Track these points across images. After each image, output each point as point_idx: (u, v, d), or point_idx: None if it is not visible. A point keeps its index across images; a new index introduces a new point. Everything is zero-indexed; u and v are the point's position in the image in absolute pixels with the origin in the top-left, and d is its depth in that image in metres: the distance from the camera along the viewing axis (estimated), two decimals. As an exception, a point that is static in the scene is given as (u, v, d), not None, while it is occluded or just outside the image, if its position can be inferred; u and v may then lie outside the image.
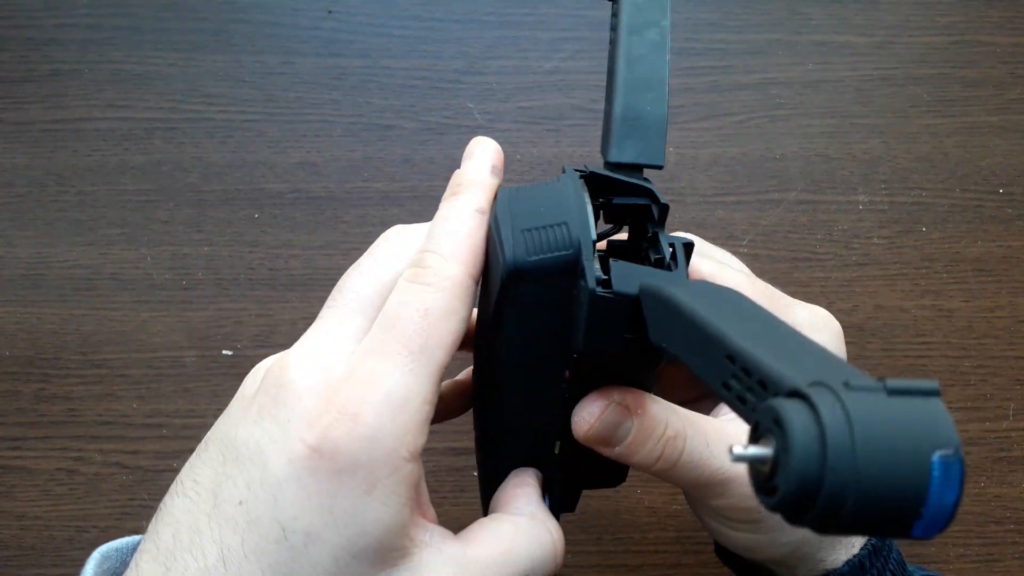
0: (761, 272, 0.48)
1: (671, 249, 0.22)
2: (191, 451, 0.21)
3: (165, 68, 0.49)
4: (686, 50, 0.50)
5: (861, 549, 0.28)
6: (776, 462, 0.12)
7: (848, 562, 0.28)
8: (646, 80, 0.24)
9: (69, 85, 0.49)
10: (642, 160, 0.24)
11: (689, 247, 0.23)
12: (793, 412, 0.12)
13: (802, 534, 0.26)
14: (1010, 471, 0.46)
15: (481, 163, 0.24)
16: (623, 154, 0.24)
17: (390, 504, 0.19)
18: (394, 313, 0.20)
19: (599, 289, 0.20)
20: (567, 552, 0.44)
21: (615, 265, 0.20)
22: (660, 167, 0.24)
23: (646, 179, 0.24)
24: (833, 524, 0.12)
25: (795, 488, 0.11)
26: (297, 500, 0.18)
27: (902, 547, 0.45)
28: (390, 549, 0.19)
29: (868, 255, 0.48)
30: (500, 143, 0.49)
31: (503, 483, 0.25)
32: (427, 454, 0.46)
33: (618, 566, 0.43)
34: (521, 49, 0.50)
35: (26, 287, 0.46)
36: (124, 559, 0.24)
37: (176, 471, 0.21)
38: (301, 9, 0.50)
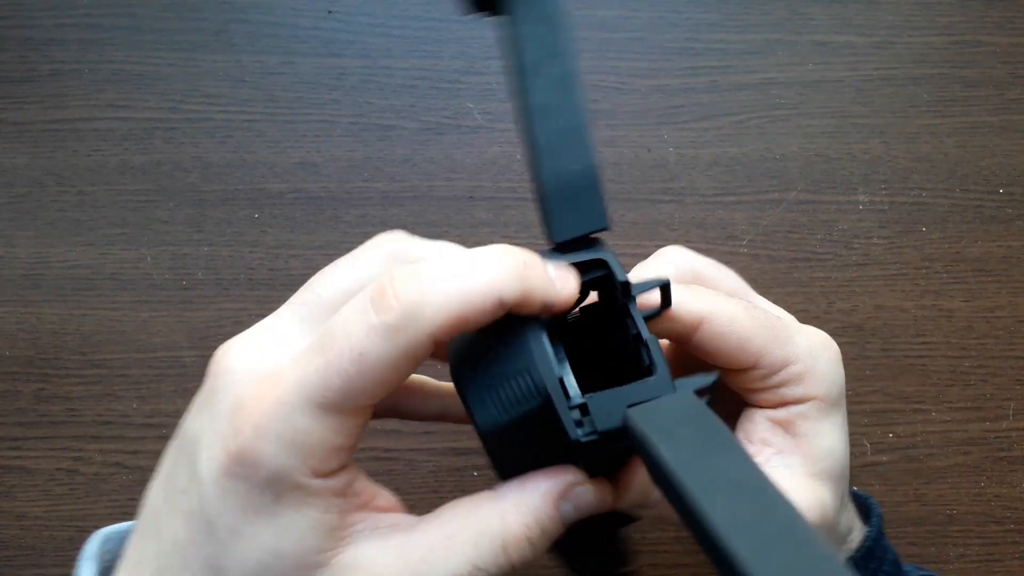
0: (761, 272, 0.48)
1: (643, 322, 0.21)
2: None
3: (165, 68, 0.49)
4: (686, 50, 0.50)
5: (854, 553, 0.28)
6: None
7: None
8: (563, 133, 0.22)
9: (69, 85, 0.49)
10: (586, 229, 0.22)
11: (665, 288, 0.22)
12: None
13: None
14: (1010, 471, 0.46)
15: (540, 273, 0.19)
16: (565, 231, 0.22)
17: (304, 513, 0.18)
18: (332, 334, 0.18)
19: (582, 437, 0.19)
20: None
21: (591, 400, 0.19)
22: (605, 228, 0.22)
23: (599, 247, 0.22)
24: None
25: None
26: (217, 498, 0.18)
27: (900, 547, 0.45)
28: (315, 551, 0.19)
29: (868, 255, 0.48)
30: (500, 143, 0.49)
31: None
32: (427, 454, 0.46)
33: (618, 566, 0.43)
34: (521, 49, 0.50)
35: (26, 287, 0.46)
36: (123, 542, 0.24)
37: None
38: (301, 9, 0.50)
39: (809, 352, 0.27)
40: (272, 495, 0.18)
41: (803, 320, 0.44)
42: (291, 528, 0.18)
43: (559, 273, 0.20)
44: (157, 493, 0.20)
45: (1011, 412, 0.47)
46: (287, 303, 0.22)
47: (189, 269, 0.46)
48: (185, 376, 0.45)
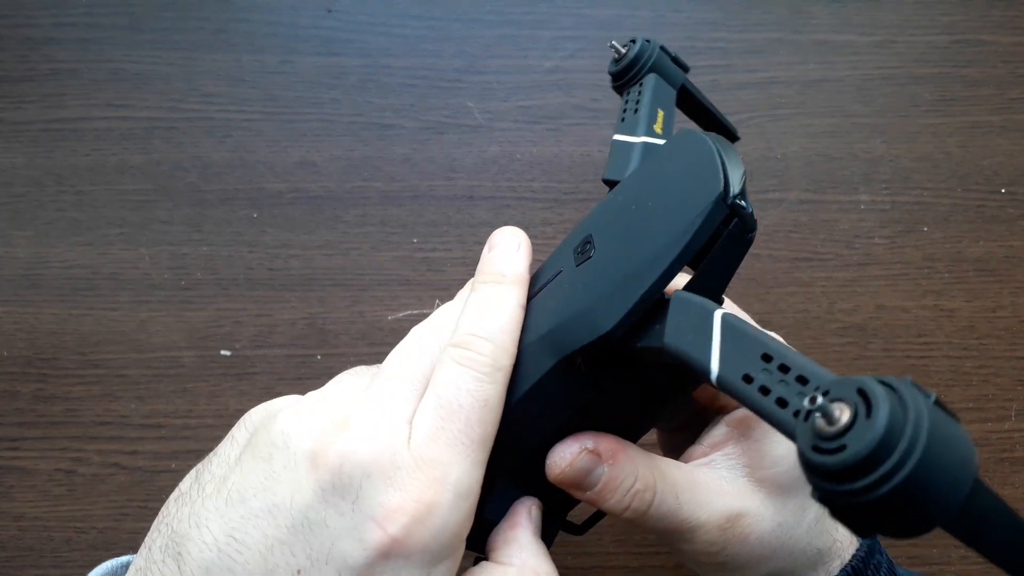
0: (763, 272, 0.48)
1: None
2: (189, 451, 0.21)
3: (164, 67, 0.49)
4: (687, 49, 0.50)
5: (840, 571, 0.28)
6: (852, 424, 0.14)
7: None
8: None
9: (68, 84, 0.48)
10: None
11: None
12: (882, 390, 0.14)
13: (775, 568, 0.26)
14: (1012, 472, 0.46)
15: (523, 259, 0.25)
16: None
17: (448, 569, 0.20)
18: (455, 400, 0.21)
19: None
20: (567, 554, 0.44)
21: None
22: None
23: None
24: (870, 497, 0.13)
25: (867, 450, 0.13)
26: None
27: (902, 549, 0.45)
28: None
29: (869, 255, 0.48)
30: (500, 142, 0.49)
31: (499, 523, 0.25)
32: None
33: (619, 567, 0.43)
34: (521, 48, 0.50)
35: (25, 287, 0.46)
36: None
37: (175, 471, 0.21)
38: (301, 8, 0.50)
39: None
40: (426, 568, 0.20)
41: (804, 320, 0.44)
42: None
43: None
44: (230, 569, 0.19)
45: (1013, 413, 0.46)
46: (385, 377, 0.23)
47: (188, 269, 0.46)
48: (184, 376, 0.45)
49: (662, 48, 0.33)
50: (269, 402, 0.23)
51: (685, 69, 0.34)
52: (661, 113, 0.31)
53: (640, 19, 0.50)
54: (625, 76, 0.33)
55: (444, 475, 0.20)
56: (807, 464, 0.14)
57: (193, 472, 0.22)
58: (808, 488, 0.25)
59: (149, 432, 0.44)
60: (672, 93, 0.33)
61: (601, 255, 0.23)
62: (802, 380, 0.16)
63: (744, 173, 0.22)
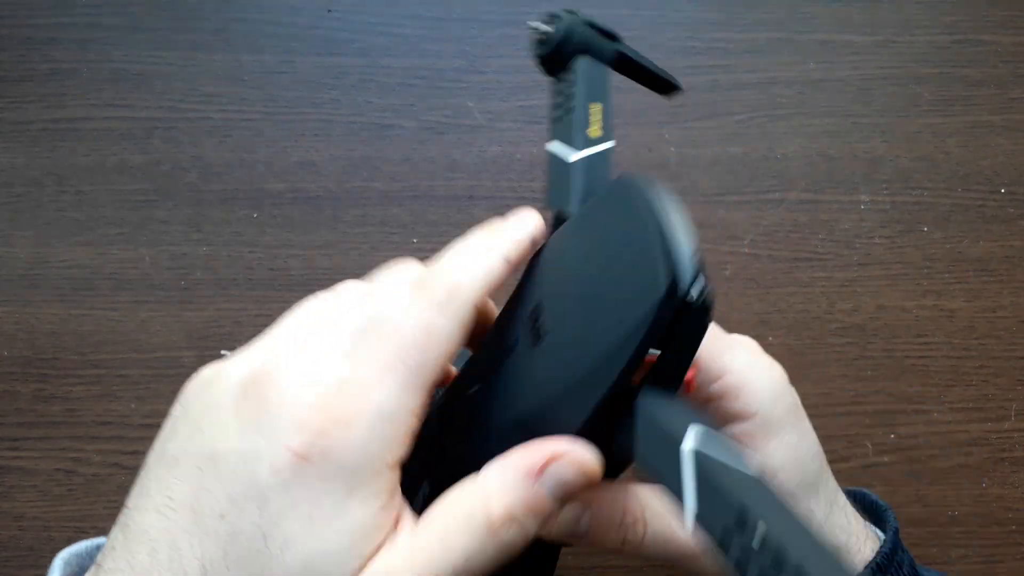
0: (762, 272, 0.48)
1: None
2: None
3: (164, 67, 0.49)
4: (687, 49, 0.50)
5: (866, 568, 0.28)
6: None
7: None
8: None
9: (68, 84, 0.48)
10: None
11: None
12: None
13: None
14: (1012, 472, 0.46)
15: (527, 227, 0.24)
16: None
17: (369, 506, 0.19)
18: (393, 321, 0.20)
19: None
20: (568, 553, 0.44)
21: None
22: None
23: None
24: None
25: None
26: (281, 507, 0.18)
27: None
28: (358, 556, 0.19)
29: (870, 255, 0.48)
30: (500, 142, 0.49)
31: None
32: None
33: (619, 567, 0.43)
34: (521, 48, 0.50)
35: (25, 287, 0.46)
36: (83, 564, 0.24)
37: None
38: (300, 8, 0.50)
39: (747, 366, 0.27)
40: (345, 490, 0.18)
41: (804, 320, 0.44)
42: (351, 524, 0.18)
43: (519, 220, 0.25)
44: (165, 528, 0.19)
45: (1013, 413, 0.46)
46: (322, 316, 0.22)
47: (188, 269, 0.46)
48: (184, 376, 0.44)
49: (589, 23, 0.30)
50: (201, 369, 0.23)
51: (615, 38, 0.32)
52: (598, 108, 0.28)
53: (640, 19, 0.50)
54: (554, 61, 0.30)
55: (365, 393, 0.19)
56: None
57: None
58: (812, 491, 0.24)
59: (149, 432, 0.44)
60: (606, 73, 0.30)
61: (554, 339, 0.22)
62: (777, 563, 0.14)
63: (695, 247, 0.19)
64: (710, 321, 0.20)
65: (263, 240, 0.47)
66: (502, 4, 0.50)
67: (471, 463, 0.21)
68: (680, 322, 0.19)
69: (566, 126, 0.28)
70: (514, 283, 0.25)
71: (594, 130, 0.28)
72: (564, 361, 0.21)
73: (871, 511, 0.31)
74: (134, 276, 0.46)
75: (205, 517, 0.18)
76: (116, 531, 0.20)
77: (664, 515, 0.24)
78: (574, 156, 0.27)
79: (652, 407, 0.19)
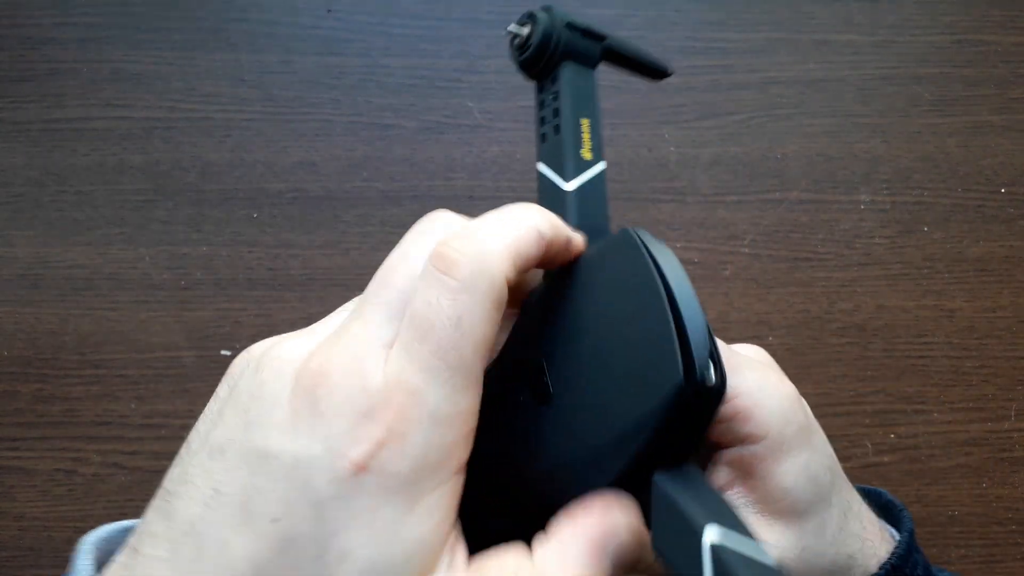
0: (763, 272, 0.48)
1: None
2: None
3: (164, 67, 0.49)
4: (687, 49, 0.50)
5: (880, 568, 0.28)
6: None
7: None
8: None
9: (67, 84, 0.48)
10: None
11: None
12: None
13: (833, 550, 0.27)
14: (1012, 472, 0.46)
15: (552, 216, 0.22)
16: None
17: (430, 519, 0.19)
18: (425, 319, 0.19)
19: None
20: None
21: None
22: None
23: None
24: None
25: None
26: (340, 518, 0.18)
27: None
28: (414, 570, 0.19)
29: (870, 255, 0.48)
30: (499, 142, 0.49)
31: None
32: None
33: (619, 567, 0.43)
34: (521, 48, 0.50)
35: (24, 287, 0.46)
36: (109, 548, 0.23)
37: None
38: (300, 8, 0.50)
39: (758, 388, 0.27)
40: (405, 503, 0.18)
41: (804, 320, 0.44)
42: (412, 541, 0.18)
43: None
44: (212, 521, 0.18)
45: (1013, 413, 0.46)
46: (365, 302, 0.21)
47: (188, 269, 0.46)
48: (183, 376, 0.45)
49: (569, 24, 0.29)
50: (251, 347, 0.22)
51: (601, 38, 0.30)
52: (586, 124, 0.28)
53: (640, 19, 0.50)
54: (536, 66, 0.29)
55: (418, 402, 0.18)
56: None
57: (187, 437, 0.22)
58: (825, 505, 0.24)
59: (149, 432, 0.44)
60: (592, 81, 0.29)
61: (565, 404, 0.21)
62: None
63: (707, 328, 0.19)
64: (723, 397, 0.20)
65: (263, 240, 0.47)
66: (502, 4, 0.50)
67: (480, 508, 0.21)
68: (695, 404, 0.19)
69: (555, 147, 0.27)
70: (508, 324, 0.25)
71: (585, 151, 0.27)
72: (576, 431, 0.21)
73: (886, 510, 0.31)
74: (134, 276, 0.46)
75: (256, 518, 0.18)
76: (155, 516, 0.19)
77: None
78: (568, 185, 0.26)
79: (668, 486, 0.19)
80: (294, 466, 0.18)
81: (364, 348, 0.20)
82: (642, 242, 0.21)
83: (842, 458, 0.46)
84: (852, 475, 0.33)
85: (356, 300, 0.23)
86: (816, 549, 0.26)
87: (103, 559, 0.23)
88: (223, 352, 0.45)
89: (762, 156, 0.49)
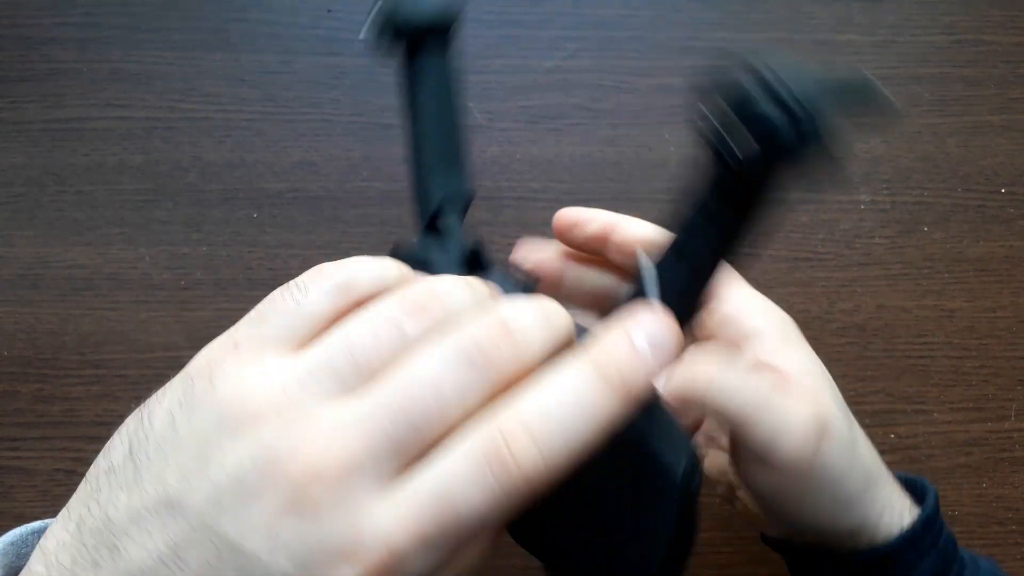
0: (763, 272, 0.48)
1: None
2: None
3: (164, 67, 0.49)
4: (687, 48, 0.50)
5: (906, 530, 0.29)
6: None
7: (901, 535, 0.28)
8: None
9: (67, 84, 0.48)
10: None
11: None
12: None
13: (852, 491, 0.28)
14: (1012, 472, 0.46)
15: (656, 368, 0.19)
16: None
17: None
18: (453, 504, 0.17)
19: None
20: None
21: None
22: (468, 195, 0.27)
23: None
24: None
25: None
26: None
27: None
28: None
29: (870, 255, 0.48)
30: (499, 142, 0.49)
31: None
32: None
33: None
34: (521, 48, 0.50)
35: (24, 287, 0.46)
36: (20, 551, 0.22)
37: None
38: (300, 8, 0.50)
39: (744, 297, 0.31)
40: None
41: (804, 320, 0.44)
42: None
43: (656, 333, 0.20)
44: None
45: (1013, 413, 0.46)
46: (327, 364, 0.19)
47: (188, 269, 0.46)
48: (184, 376, 0.45)
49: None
50: (211, 351, 0.20)
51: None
52: None
53: (640, 19, 0.50)
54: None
55: (403, 566, 0.17)
56: None
57: (125, 434, 0.19)
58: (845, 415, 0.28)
59: (149, 432, 0.44)
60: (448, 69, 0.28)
61: (582, 512, 0.23)
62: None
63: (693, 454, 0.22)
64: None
65: (263, 240, 0.47)
66: (502, 4, 0.50)
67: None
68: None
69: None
70: None
71: None
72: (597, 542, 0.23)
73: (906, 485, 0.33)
74: (134, 276, 0.46)
75: None
76: (95, 541, 0.18)
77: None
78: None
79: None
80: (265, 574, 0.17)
81: (358, 460, 0.17)
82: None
83: (842, 458, 0.46)
84: (852, 475, 0.33)
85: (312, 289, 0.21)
86: (858, 447, 0.29)
87: (16, 564, 0.21)
88: (223, 352, 0.45)
89: (762, 156, 0.49)
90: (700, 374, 0.26)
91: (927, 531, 0.29)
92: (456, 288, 0.20)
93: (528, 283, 0.24)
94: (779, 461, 0.26)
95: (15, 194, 0.47)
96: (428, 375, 0.18)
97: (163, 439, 0.18)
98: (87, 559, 0.17)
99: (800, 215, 0.48)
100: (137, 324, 0.46)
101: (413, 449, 0.17)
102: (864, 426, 0.47)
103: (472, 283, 0.21)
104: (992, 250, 0.48)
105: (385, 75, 0.49)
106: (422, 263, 0.23)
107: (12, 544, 0.22)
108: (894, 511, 0.29)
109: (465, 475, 0.17)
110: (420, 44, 0.27)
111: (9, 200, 0.47)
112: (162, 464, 0.18)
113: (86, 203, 0.47)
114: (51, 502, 0.43)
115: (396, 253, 0.23)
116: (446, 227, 0.26)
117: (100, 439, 0.47)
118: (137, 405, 0.20)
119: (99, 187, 0.47)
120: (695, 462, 0.21)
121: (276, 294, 0.20)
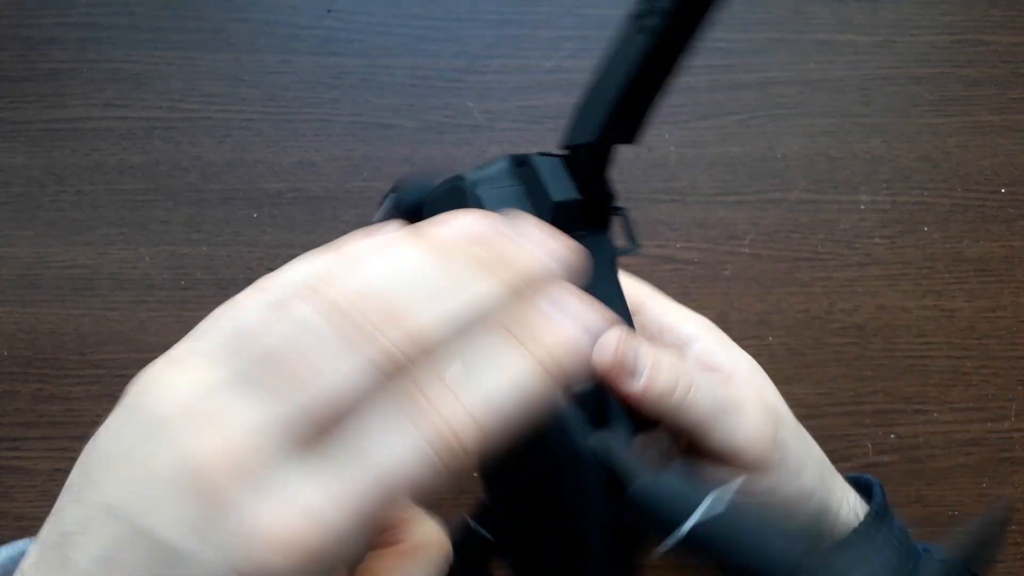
0: (763, 272, 0.48)
1: None
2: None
3: (164, 67, 0.49)
4: (687, 49, 0.50)
5: (866, 517, 0.29)
6: None
7: (856, 531, 0.29)
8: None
9: (67, 84, 0.48)
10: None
11: None
12: None
13: (812, 481, 0.28)
14: (1012, 472, 0.46)
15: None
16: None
17: None
18: (386, 472, 0.17)
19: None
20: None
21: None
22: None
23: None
24: None
25: None
26: None
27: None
28: None
29: (870, 255, 0.48)
30: (500, 142, 0.49)
31: None
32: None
33: (619, 567, 0.43)
34: (521, 48, 0.50)
35: (24, 287, 0.46)
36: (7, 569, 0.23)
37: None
38: (300, 8, 0.50)
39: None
40: None
41: (804, 320, 0.44)
42: None
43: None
44: None
45: (1013, 412, 0.46)
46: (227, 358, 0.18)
47: (188, 269, 0.46)
48: (184, 376, 0.45)
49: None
50: (148, 373, 0.19)
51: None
52: None
53: (640, 19, 0.50)
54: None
55: (329, 538, 0.17)
56: None
57: (83, 452, 0.20)
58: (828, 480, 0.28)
59: (149, 432, 0.44)
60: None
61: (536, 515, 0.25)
62: None
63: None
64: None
65: (263, 240, 0.47)
66: (502, 4, 0.50)
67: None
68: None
69: None
70: None
71: None
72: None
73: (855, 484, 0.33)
74: (134, 276, 0.46)
75: None
76: (52, 555, 0.19)
77: (709, 379, 0.27)
78: None
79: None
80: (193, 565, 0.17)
81: (263, 448, 0.17)
82: None
83: (842, 458, 0.47)
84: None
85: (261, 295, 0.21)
86: (807, 441, 0.29)
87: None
88: (223, 352, 0.45)
89: (762, 156, 0.49)
90: (685, 376, 0.27)
91: (881, 520, 0.29)
92: (385, 270, 0.18)
93: None
94: (740, 454, 0.26)
95: (15, 194, 0.47)
96: (319, 356, 0.17)
97: (105, 452, 0.19)
98: (45, 569, 0.18)
99: (800, 215, 0.48)
100: (137, 324, 0.46)
101: (324, 424, 0.17)
102: (864, 426, 0.47)
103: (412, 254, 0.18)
104: (992, 250, 0.48)
105: (385, 75, 0.49)
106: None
107: (11, 559, 0.23)
108: (849, 504, 0.30)
109: (394, 439, 0.17)
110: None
111: (9, 200, 0.47)
112: (103, 474, 0.19)
113: (86, 203, 0.47)
114: (51, 502, 0.43)
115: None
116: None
117: (100, 439, 0.46)
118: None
119: (99, 187, 0.47)
120: (613, 451, 0.22)
121: (217, 311, 0.20)
